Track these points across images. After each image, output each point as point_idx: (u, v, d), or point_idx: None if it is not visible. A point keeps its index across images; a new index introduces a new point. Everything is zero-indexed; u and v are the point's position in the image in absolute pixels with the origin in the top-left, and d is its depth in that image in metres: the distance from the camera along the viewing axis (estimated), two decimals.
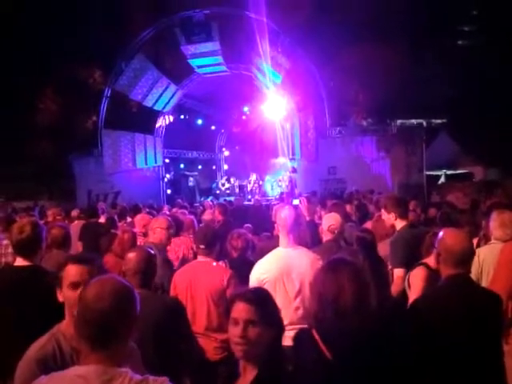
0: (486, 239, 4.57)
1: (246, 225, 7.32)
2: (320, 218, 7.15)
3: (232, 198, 18.31)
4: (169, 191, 22.70)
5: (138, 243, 5.30)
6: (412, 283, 3.43)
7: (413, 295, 3.36)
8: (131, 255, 3.28)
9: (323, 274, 2.26)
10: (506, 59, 35.17)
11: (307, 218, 5.76)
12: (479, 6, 46.77)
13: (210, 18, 19.25)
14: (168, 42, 20.69)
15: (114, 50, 20.74)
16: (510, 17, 37.01)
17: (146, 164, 21.11)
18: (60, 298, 2.29)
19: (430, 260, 3.23)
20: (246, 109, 26.51)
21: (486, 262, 3.90)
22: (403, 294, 3.64)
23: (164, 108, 21.64)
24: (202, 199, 21.54)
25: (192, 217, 6.92)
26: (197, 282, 3.62)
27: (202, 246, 3.76)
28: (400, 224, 4.29)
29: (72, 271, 2.28)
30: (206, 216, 7.35)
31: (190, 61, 19.95)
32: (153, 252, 3.45)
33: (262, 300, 2.01)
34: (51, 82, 25.15)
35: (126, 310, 1.73)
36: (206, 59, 19.77)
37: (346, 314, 2.09)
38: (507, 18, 38.37)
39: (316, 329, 2.17)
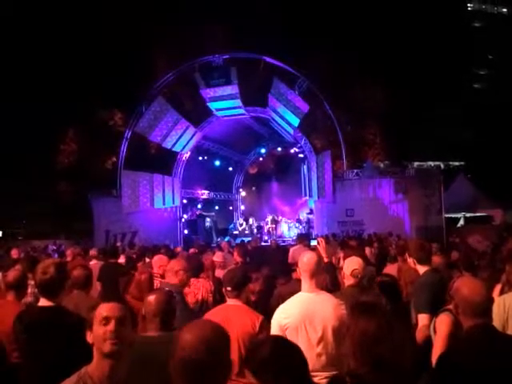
0: (510, 285, 4.46)
1: (264, 267, 7.26)
2: (339, 258, 7.08)
3: (249, 239, 18.26)
4: (186, 231, 22.74)
5: (155, 285, 5.28)
6: (438, 329, 3.36)
7: (438, 342, 3.28)
8: (151, 298, 3.26)
9: (359, 317, 2.19)
10: None
11: (325, 260, 5.70)
12: (495, 51, 47.44)
13: (228, 62, 19.80)
14: (188, 86, 21.26)
15: (135, 93, 21.35)
16: None
17: (164, 204, 21.26)
18: (89, 340, 2.28)
19: None
20: (262, 150, 26.80)
21: (511, 309, 3.79)
22: (427, 340, 3.56)
23: (183, 149, 21.97)
24: (219, 240, 21.52)
25: (212, 260, 6.89)
26: (228, 325, 3.56)
27: (229, 288, 3.72)
28: (422, 269, 4.23)
29: (103, 308, 2.30)
30: (217, 258, 7.26)
31: (208, 104, 20.38)
32: (172, 293, 3.44)
33: None
34: (73, 124, 25.83)
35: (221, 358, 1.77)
36: (224, 102, 20.17)
37: (383, 366, 2.01)
38: None
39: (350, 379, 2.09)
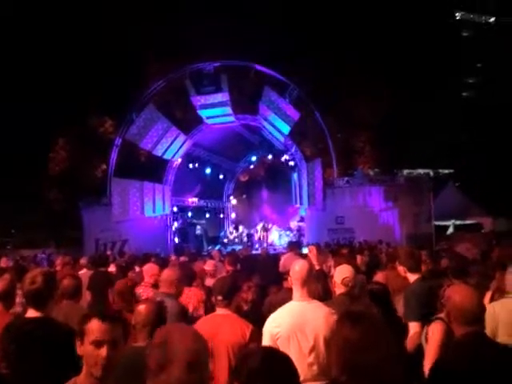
0: (501, 292, 4.48)
1: (255, 276, 7.24)
2: (329, 266, 7.07)
3: (240, 247, 18.23)
4: (176, 239, 22.65)
5: (147, 294, 5.23)
6: (430, 338, 3.35)
7: (430, 351, 3.27)
8: (141, 308, 3.23)
9: (343, 326, 2.17)
10: (509, 110, 35.77)
11: (316, 267, 5.69)
12: (483, 59, 48.01)
13: (219, 70, 19.83)
14: (178, 93, 21.26)
15: (125, 100, 21.28)
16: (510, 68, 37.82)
17: (154, 212, 21.17)
18: (79, 352, 2.23)
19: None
20: (253, 158, 26.82)
21: (501, 317, 3.81)
22: (419, 349, 3.56)
23: (173, 157, 21.93)
24: (210, 248, 21.45)
25: (203, 268, 6.86)
26: (217, 335, 3.51)
27: (219, 298, 3.69)
28: (412, 277, 4.25)
29: (96, 327, 2.20)
30: (208, 267, 7.23)
31: (199, 111, 20.38)
32: (164, 304, 3.41)
33: None
34: (63, 131, 25.67)
35: None
36: (215, 110, 20.18)
37: (369, 375, 2.00)
38: (510, 70, 39.23)
39: None
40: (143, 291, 5.26)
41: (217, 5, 28.05)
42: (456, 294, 2.71)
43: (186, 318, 4.31)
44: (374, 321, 2.21)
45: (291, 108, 18.80)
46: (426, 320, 3.59)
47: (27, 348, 2.94)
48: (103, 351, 2.15)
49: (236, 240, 23.86)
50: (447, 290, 2.80)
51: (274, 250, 20.12)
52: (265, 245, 21.62)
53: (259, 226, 23.65)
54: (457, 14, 52.90)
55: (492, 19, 54.02)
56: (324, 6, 30.95)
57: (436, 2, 41.15)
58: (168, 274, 4.59)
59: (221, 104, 19.68)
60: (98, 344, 2.17)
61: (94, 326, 2.21)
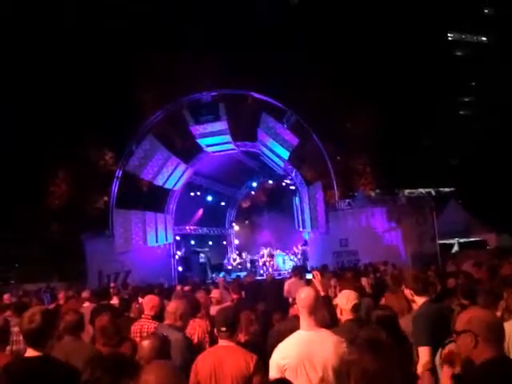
0: (510, 312, 4.39)
1: (260, 303, 7.16)
2: (334, 291, 6.98)
3: (244, 273, 18.08)
4: (180, 268, 22.49)
5: (147, 327, 5.13)
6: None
7: (446, 376, 3.17)
8: (145, 343, 3.18)
9: (363, 355, 2.09)
10: (506, 126, 36.00)
11: (322, 294, 5.59)
12: (477, 78, 48.52)
13: (217, 99, 20.02)
14: (177, 123, 21.39)
15: (124, 132, 21.44)
16: (505, 86, 38.22)
17: (157, 242, 21.08)
18: None
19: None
20: (254, 184, 26.84)
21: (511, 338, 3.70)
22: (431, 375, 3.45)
23: (174, 186, 21.95)
24: (214, 275, 21.29)
25: (207, 298, 6.77)
26: (221, 368, 3.45)
27: (223, 329, 3.62)
28: (420, 300, 4.14)
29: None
30: (214, 294, 7.16)
31: (198, 140, 20.48)
32: (168, 338, 3.34)
33: None
34: (63, 165, 25.78)
35: None
36: (214, 138, 20.30)
37: None
38: (503, 87, 39.62)
39: None
40: (144, 324, 5.17)
41: (212, 34, 28.51)
42: (478, 312, 2.64)
43: (191, 350, 4.22)
44: (388, 349, 2.14)
45: (289, 133, 18.90)
46: (436, 344, 3.48)
47: None
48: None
49: (240, 266, 23.70)
50: (462, 313, 2.70)
51: (279, 274, 20.00)
52: (270, 270, 21.49)
53: (264, 251, 23.54)
54: (449, 35, 53.69)
55: (483, 38, 54.82)
56: (319, 31, 31.45)
57: (429, 23, 41.85)
58: (174, 306, 4.52)
59: (220, 132, 19.79)
60: None
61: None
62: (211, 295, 7.34)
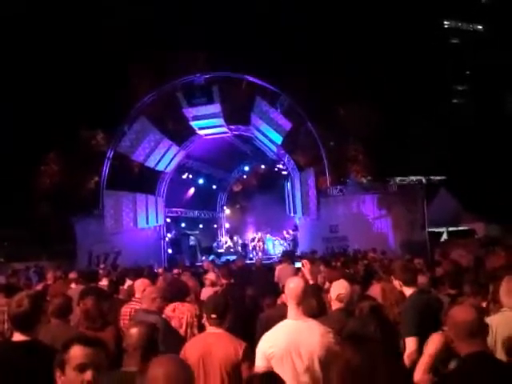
0: (495, 303, 4.42)
1: (249, 288, 7.20)
2: (323, 278, 7.00)
3: (234, 257, 18.14)
4: (170, 251, 22.50)
5: (130, 311, 5.16)
6: (426, 347, 3.28)
7: (423, 359, 3.20)
8: (132, 331, 3.14)
9: (345, 349, 2.10)
10: (498, 116, 36.14)
11: (311, 282, 5.61)
12: (471, 66, 48.50)
13: (210, 81, 19.81)
14: (170, 105, 21.21)
15: (117, 113, 21.21)
16: (499, 75, 38.26)
17: (148, 224, 21.04)
18: (59, 383, 2.15)
19: None
20: (246, 168, 26.78)
21: (499, 332, 3.71)
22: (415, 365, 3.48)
23: (166, 168, 21.84)
24: (204, 258, 21.33)
25: (196, 282, 6.78)
26: (210, 354, 3.44)
27: (213, 316, 3.62)
28: (408, 291, 4.17)
29: (78, 352, 2.13)
30: (210, 276, 7.19)
31: (191, 123, 20.32)
32: (156, 326, 3.33)
33: None
34: (54, 145, 25.55)
35: None
36: (207, 121, 20.14)
37: None
38: (496, 77, 39.66)
39: None
40: (134, 307, 5.20)
41: (208, 17, 28.20)
42: (455, 311, 2.68)
43: (172, 332, 4.24)
44: (376, 345, 2.15)
45: (283, 118, 18.79)
46: (424, 335, 3.50)
47: (13, 373, 2.85)
48: (88, 375, 2.08)
49: (230, 250, 23.77)
50: (451, 309, 2.75)
51: (269, 259, 20.07)
52: (260, 254, 21.57)
53: (254, 235, 23.58)
54: (445, 23, 53.47)
55: (479, 27, 54.67)
56: (315, 16, 31.20)
57: (424, 11, 41.63)
58: (149, 290, 4.58)
59: (213, 115, 19.63)
60: (81, 369, 2.09)
61: (77, 352, 2.13)
62: (206, 276, 7.39)
